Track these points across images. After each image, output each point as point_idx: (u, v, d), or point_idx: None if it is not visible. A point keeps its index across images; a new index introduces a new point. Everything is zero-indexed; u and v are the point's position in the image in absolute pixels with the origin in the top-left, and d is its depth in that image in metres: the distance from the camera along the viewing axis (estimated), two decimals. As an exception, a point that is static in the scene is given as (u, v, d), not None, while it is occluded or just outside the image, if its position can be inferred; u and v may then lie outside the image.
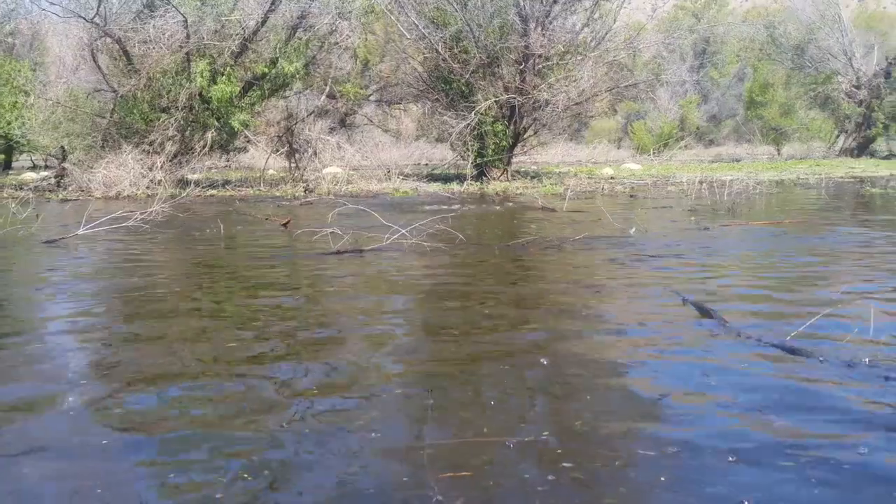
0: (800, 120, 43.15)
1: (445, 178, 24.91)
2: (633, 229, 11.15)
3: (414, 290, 7.11)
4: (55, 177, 22.74)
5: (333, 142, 25.26)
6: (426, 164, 26.60)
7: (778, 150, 44.03)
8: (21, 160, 40.99)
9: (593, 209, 14.37)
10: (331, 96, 34.40)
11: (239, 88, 22.25)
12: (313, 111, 26.00)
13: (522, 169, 29.59)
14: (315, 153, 24.28)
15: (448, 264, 8.50)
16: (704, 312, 5.89)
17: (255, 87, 23.15)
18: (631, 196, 18.96)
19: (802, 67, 42.67)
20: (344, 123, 44.88)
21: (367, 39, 37.71)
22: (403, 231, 9.92)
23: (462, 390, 4.20)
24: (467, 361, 4.68)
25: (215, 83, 21.28)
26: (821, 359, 4.59)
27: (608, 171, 29.71)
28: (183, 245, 10.58)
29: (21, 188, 21.72)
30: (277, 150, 24.34)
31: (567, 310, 6.11)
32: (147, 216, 11.78)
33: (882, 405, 3.82)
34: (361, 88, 40.76)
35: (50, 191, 21.46)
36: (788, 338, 4.96)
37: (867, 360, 4.51)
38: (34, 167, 35.80)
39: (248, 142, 23.92)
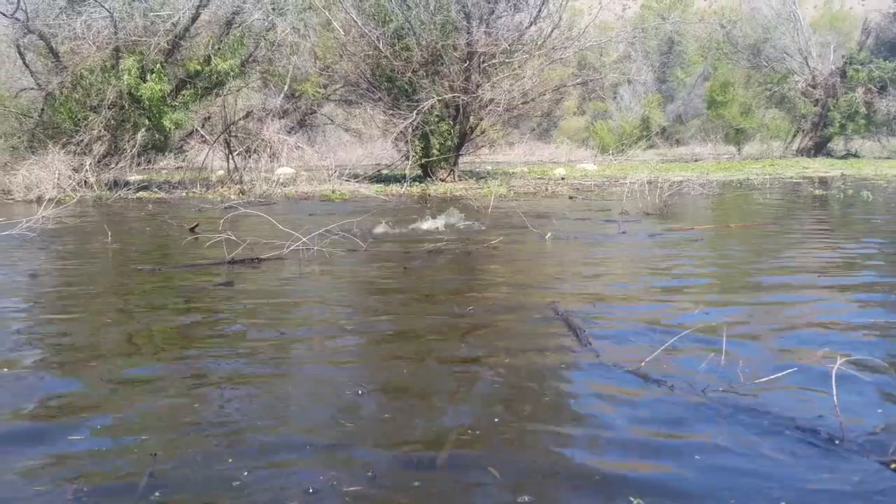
0: (759, 119, 43.07)
1: (391, 179, 24.38)
2: (549, 235, 10.76)
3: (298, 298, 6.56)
4: (-22, 179, 21.91)
5: (291, 142, 24.67)
6: (388, 165, 26.02)
7: (738, 150, 43.90)
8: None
9: (527, 210, 13.87)
10: (289, 96, 33.85)
11: (171, 87, 21.55)
12: (271, 110, 25.37)
13: (475, 169, 29.17)
14: (273, 154, 23.66)
15: (342, 273, 8.23)
16: (572, 329, 5.49)
17: (188, 86, 22.44)
18: (570, 198, 18.55)
19: (759, 67, 42.59)
20: (304, 123, 44.33)
21: (323, 38, 37.11)
22: (304, 239, 9.57)
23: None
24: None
25: (145, 81, 20.56)
26: (671, 386, 4.25)
27: (560, 171, 29.30)
28: (55, 256, 9.93)
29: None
30: (213, 149, 23.59)
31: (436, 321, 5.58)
32: (35, 223, 11.07)
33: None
34: (321, 88, 40.16)
35: (-28, 193, 20.66)
36: (643, 363, 4.58)
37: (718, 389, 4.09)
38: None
39: (183, 142, 23.20)
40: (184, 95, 22.51)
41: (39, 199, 18.19)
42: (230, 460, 3.31)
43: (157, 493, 3.01)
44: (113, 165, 21.47)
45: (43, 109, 21.64)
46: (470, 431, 3.61)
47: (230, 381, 4.40)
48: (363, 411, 3.91)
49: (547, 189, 21.23)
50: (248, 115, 23.80)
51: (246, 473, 3.18)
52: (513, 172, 28.67)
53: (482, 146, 26.92)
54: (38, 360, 4.92)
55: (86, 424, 3.76)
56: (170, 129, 21.60)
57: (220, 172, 24.54)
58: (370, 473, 3.16)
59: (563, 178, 25.93)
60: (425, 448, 3.42)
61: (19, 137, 21.86)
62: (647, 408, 3.94)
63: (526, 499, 2.98)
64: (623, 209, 14.56)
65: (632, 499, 2.96)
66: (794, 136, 43.85)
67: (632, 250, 9.84)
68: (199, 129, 23.90)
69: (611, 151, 43.66)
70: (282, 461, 3.30)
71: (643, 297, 6.90)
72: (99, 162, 21.17)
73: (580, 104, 63.99)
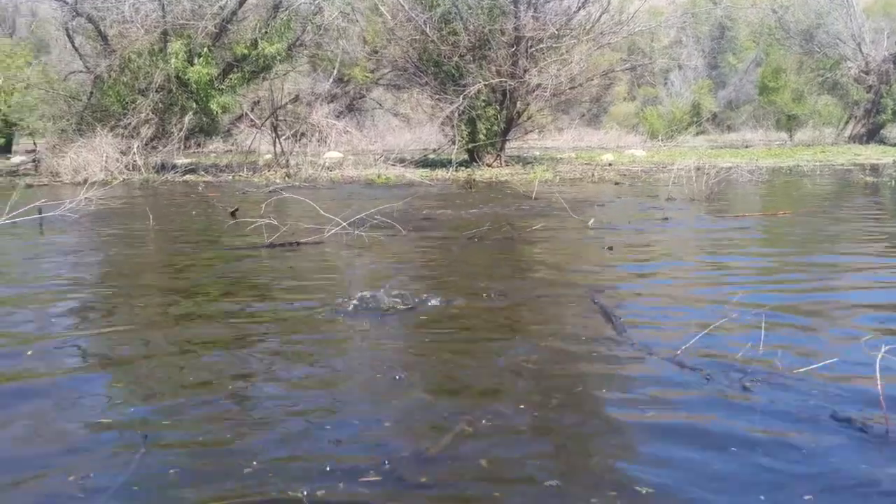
0: (811, 106, 42.06)
1: (437, 164, 24.29)
2: (591, 221, 10.60)
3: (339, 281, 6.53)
4: (33, 161, 22.33)
5: (340, 126, 24.76)
6: (435, 150, 25.93)
7: (790, 136, 42.96)
8: (23, 143, 40.71)
9: (571, 195, 13.71)
10: (338, 80, 33.85)
11: (218, 71, 21.68)
12: (320, 95, 25.48)
13: (523, 154, 28.93)
14: (321, 138, 23.78)
15: (385, 256, 8.23)
16: (607, 317, 5.37)
17: (235, 70, 22.55)
18: (616, 184, 18.30)
19: (812, 53, 41.57)
20: (352, 108, 44.45)
21: (371, 22, 37.11)
22: (344, 223, 9.53)
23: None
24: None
25: (192, 65, 20.71)
26: (707, 375, 4.10)
27: (608, 157, 28.92)
28: (95, 237, 10.05)
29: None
30: (261, 133, 23.73)
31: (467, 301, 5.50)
32: (79, 205, 11.20)
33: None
34: (369, 72, 40.20)
35: (27, 175, 21.04)
36: (680, 351, 4.45)
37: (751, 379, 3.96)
38: (32, 151, 35.54)
39: (232, 125, 23.38)
40: (231, 79, 22.64)
41: (87, 182, 18.50)
42: (250, 440, 3.28)
43: (172, 467, 2.98)
44: (160, 148, 21.69)
45: (91, 92, 21.93)
46: (489, 421, 3.52)
47: (246, 379, 4.37)
48: (396, 398, 3.83)
49: (593, 175, 20.98)
50: (296, 99, 23.89)
51: (257, 461, 3.14)
52: (560, 158, 28.39)
53: (530, 131, 26.72)
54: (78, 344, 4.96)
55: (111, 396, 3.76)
56: (217, 112, 21.76)
57: (268, 156, 24.68)
58: (387, 465, 3.07)
59: (610, 164, 25.62)
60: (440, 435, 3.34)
61: (68, 120, 22.21)
62: (681, 396, 3.82)
63: (554, 483, 2.90)
64: (669, 195, 14.31)
65: (651, 490, 2.86)
66: (847, 122, 42.74)
67: (675, 236, 9.65)
68: (248, 112, 24.05)
69: (660, 137, 43.03)
70: (304, 444, 3.26)
71: (684, 283, 6.75)
72: (146, 145, 21.40)
73: (630, 90, 63.16)
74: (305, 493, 2.79)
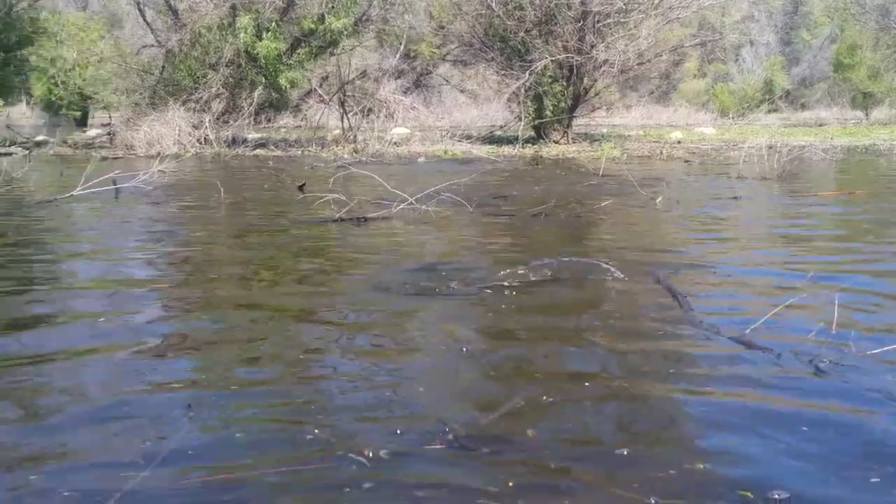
0: (888, 83, 40.72)
1: (503, 141, 24.20)
2: (660, 198, 10.48)
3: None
4: (108, 134, 22.91)
5: (407, 102, 24.86)
6: (501, 126, 25.83)
7: (866, 115, 41.69)
8: (98, 117, 41.74)
9: (640, 173, 13.55)
10: (405, 56, 33.90)
11: (286, 46, 21.89)
12: (387, 71, 25.60)
13: (590, 131, 28.65)
14: (389, 114, 23.94)
15: (452, 231, 8.29)
16: (674, 295, 5.32)
17: (303, 45, 22.74)
18: (686, 161, 18.05)
19: (888, 29, 40.20)
20: (419, 84, 44.47)
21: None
22: (410, 199, 9.58)
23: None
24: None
25: (261, 40, 20.95)
26: (777, 354, 4.01)
27: (677, 134, 28.47)
28: (169, 209, 10.31)
29: (76, 146, 22.04)
30: (330, 108, 23.92)
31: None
32: (153, 177, 11.48)
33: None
34: (436, 48, 40.15)
35: (102, 148, 21.59)
36: (749, 330, 4.37)
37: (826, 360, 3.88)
38: (107, 124, 36.45)
39: (301, 101, 23.61)
40: (299, 54, 22.85)
41: (160, 155, 18.93)
42: (314, 407, 3.35)
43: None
44: (231, 123, 22.04)
45: (163, 66, 22.36)
46: (554, 395, 3.54)
47: (313, 349, 4.45)
48: (462, 369, 3.88)
49: (662, 153, 20.71)
50: (363, 74, 24.04)
51: (321, 428, 3.20)
52: (628, 135, 28.03)
53: (597, 108, 26.49)
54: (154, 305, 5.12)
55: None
56: (285, 87, 22.01)
57: (336, 131, 24.89)
58: (450, 434, 3.09)
59: (679, 142, 25.23)
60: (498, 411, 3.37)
61: (141, 94, 22.70)
62: (749, 375, 3.77)
63: (623, 452, 2.90)
64: (740, 173, 14.07)
65: (718, 468, 2.85)
66: (927, 101, 41.38)
67: (745, 214, 9.50)
68: (316, 88, 24.28)
69: (731, 115, 42.18)
70: (368, 412, 3.32)
71: (753, 261, 6.65)
72: (218, 119, 21.75)
73: (700, 66, 61.86)
74: (370, 454, 2.85)
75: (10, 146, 20.88)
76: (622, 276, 5.73)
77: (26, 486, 2.64)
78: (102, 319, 4.70)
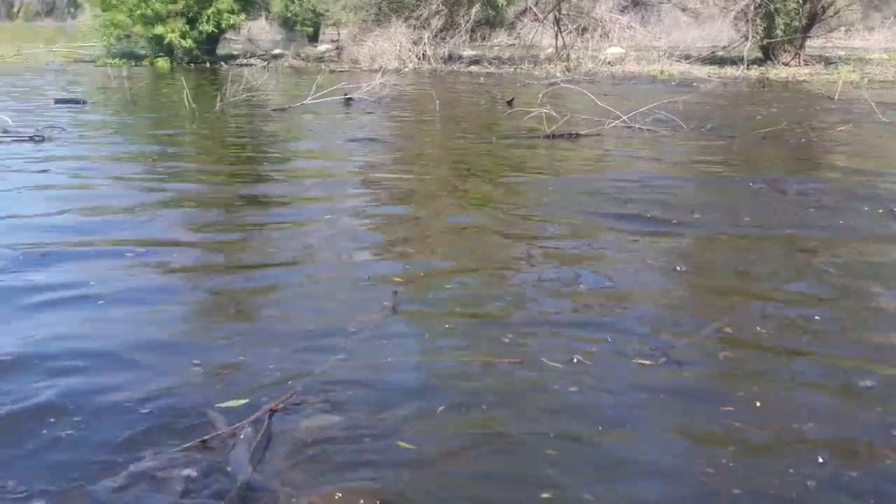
0: None
1: (726, 62, 23.00)
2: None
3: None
4: (336, 49, 23.90)
5: (623, 21, 24.21)
6: (724, 47, 24.53)
7: None
8: (328, 33, 43.44)
9: (881, 99, 12.51)
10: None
11: (504, -38, 21.71)
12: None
13: (825, 54, 26.63)
14: (604, 33, 23.44)
15: (664, 151, 8.09)
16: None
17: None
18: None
19: None
20: (637, 2, 42.88)
21: None
22: (624, 117, 9.45)
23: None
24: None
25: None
26: None
27: (926, 58, 25.87)
28: (389, 119, 10.73)
29: (307, 59, 23.22)
30: (544, 26, 23.62)
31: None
32: (374, 89, 11.99)
33: None
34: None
35: (331, 62, 22.59)
36: None
37: None
38: (335, 40, 37.92)
39: (517, 19, 23.45)
40: (515, -29, 22.62)
41: (382, 69, 19.56)
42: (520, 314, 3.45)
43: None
44: (448, 40, 22.30)
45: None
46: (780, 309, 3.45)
47: (521, 262, 4.54)
48: (675, 288, 3.85)
49: (907, 78, 18.95)
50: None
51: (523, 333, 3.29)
52: (869, 59, 25.77)
53: (834, 29, 24.43)
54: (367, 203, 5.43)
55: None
56: (502, 5, 21.96)
57: (549, 50, 24.61)
58: (658, 348, 3.10)
59: (928, 67, 22.95)
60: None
61: (367, 11, 23.39)
62: None
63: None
64: None
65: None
66: None
67: None
68: (532, 6, 24.01)
69: None
70: (581, 331, 3.38)
71: None
72: (435, 36, 22.08)
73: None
74: (576, 358, 2.92)
75: (250, 58, 22.29)
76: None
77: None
78: (328, 216, 5.07)
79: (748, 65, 20.72)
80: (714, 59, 23.23)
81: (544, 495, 2.01)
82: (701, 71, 19.58)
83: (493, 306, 3.48)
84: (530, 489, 2.05)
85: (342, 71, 19.64)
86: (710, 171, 6.96)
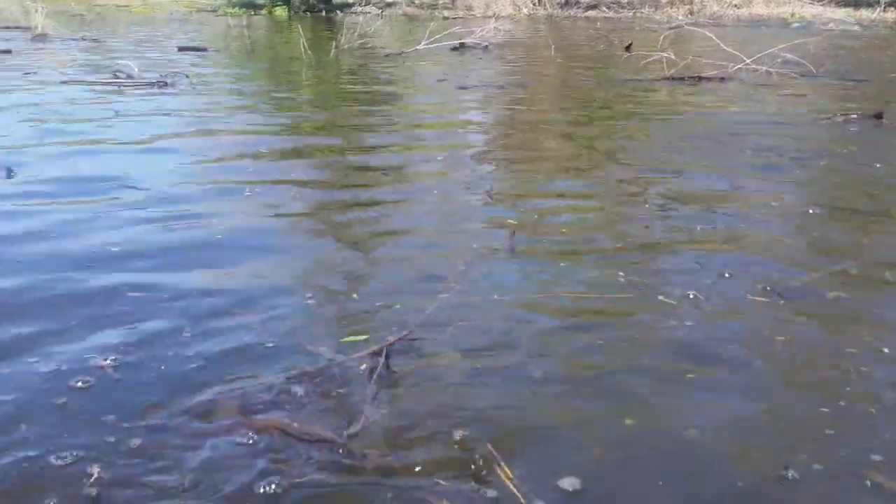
0: None
1: (862, 4, 21.68)
2: None
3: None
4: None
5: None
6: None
7: None
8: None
9: None
10: None
11: None
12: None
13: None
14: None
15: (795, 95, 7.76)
16: None
17: None
18: None
19: None
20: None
21: None
22: (747, 60, 9.15)
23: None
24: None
25: None
26: None
27: None
28: (502, 64, 10.57)
29: (421, 6, 23.13)
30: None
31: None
32: (488, 34, 11.84)
33: None
34: None
35: (445, 8, 22.44)
36: None
37: None
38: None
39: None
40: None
41: (496, 16, 19.30)
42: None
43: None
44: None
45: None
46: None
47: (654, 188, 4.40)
48: (803, 232, 3.66)
49: None
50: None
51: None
52: None
53: None
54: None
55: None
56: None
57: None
58: (769, 287, 2.96)
59: None
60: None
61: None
62: None
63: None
64: None
65: None
66: None
67: None
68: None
69: None
70: (694, 280, 3.25)
71: None
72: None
73: None
74: (690, 294, 2.81)
75: (365, 6, 22.36)
76: None
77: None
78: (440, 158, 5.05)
79: (885, 7, 19.50)
80: (848, 2, 21.95)
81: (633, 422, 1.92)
82: (834, 14, 18.58)
83: (610, 245, 3.38)
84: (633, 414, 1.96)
85: (456, 17, 19.48)
86: (843, 114, 6.57)
